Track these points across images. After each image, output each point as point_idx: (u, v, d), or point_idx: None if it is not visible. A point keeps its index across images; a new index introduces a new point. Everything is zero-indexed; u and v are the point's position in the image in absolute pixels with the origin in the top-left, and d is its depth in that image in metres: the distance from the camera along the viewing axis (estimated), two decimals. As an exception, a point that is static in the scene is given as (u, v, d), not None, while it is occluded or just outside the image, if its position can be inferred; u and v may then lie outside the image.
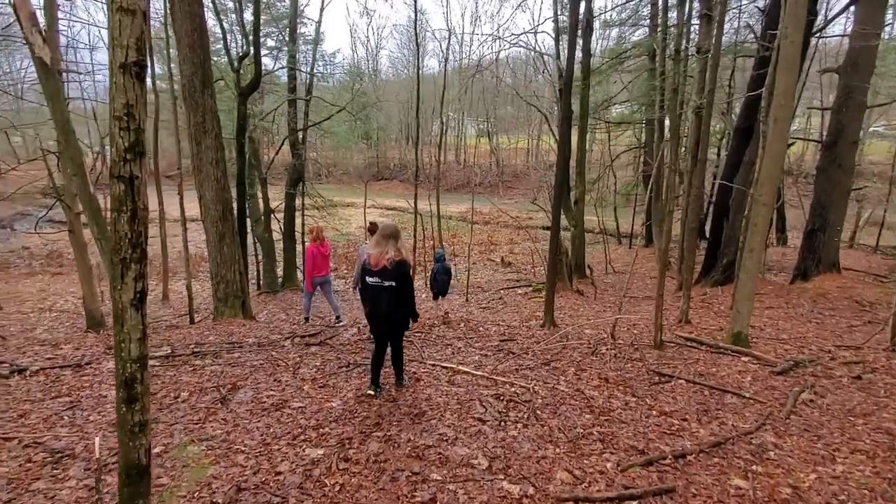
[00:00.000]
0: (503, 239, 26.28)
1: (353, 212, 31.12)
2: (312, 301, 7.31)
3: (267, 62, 17.39)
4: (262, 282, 13.93)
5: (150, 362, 4.55)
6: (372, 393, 3.80)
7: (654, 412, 3.71)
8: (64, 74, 9.51)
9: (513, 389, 4.00)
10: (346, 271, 19.04)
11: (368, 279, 3.67)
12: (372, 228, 6.15)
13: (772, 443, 3.36)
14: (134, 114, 1.76)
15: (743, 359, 5.18)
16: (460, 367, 4.57)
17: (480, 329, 6.48)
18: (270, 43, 17.48)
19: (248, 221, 14.97)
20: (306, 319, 7.04)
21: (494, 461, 2.82)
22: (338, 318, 7.14)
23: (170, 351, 4.82)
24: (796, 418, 3.82)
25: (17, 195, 16.49)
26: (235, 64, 8.32)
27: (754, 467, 3.00)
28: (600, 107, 20.45)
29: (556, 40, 16.00)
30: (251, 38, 7.71)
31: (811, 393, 4.36)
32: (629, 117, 21.62)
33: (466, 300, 13.32)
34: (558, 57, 15.63)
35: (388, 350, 3.98)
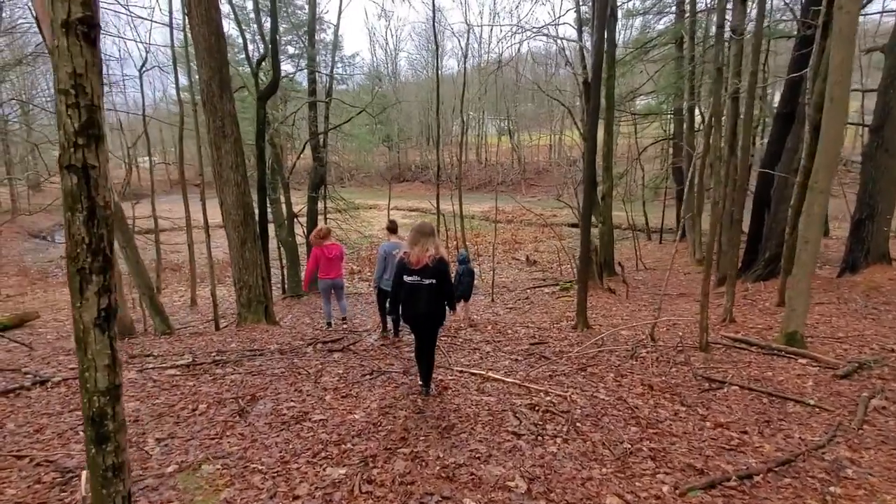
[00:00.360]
0: (527, 237, 25.81)
1: (375, 214, 31.18)
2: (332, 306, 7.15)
3: (288, 69, 17.51)
4: (286, 286, 13.94)
5: (171, 371, 4.44)
6: (421, 383, 3.90)
7: (709, 423, 3.34)
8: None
9: (548, 398, 3.70)
10: (369, 274, 19.00)
11: (407, 278, 3.62)
12: (391, 227, 5.94)
13: (847, 458, 2.97)
14: (84, 86, 1.45)
15: (800, 361, 4.73)
16: (490, 374, 4.29)
17: (509, 332, 6.18)
18: (291, 50, 17.63)
19: (273, 226, 15.09)
20: (328, 325, 6.87)
21: (534, 483, 2.53)
22: (343, 318, 6.96)
23: (191, 359, 4.69)
24: (870, 428, 3.40)
25: (54, 206, 17.01)
26: (254, 67, 8.27)
27: (832, 489, 2.62)
28: (626, 98, 19.86)
29: (579, 31, 15.53)
30: (269, 39, 7.62)
31: (882, 398, 3.90)
32: (656, 108, 20.89)
33: (492, 300, 13.01)
34: (581, 49, 15.15)
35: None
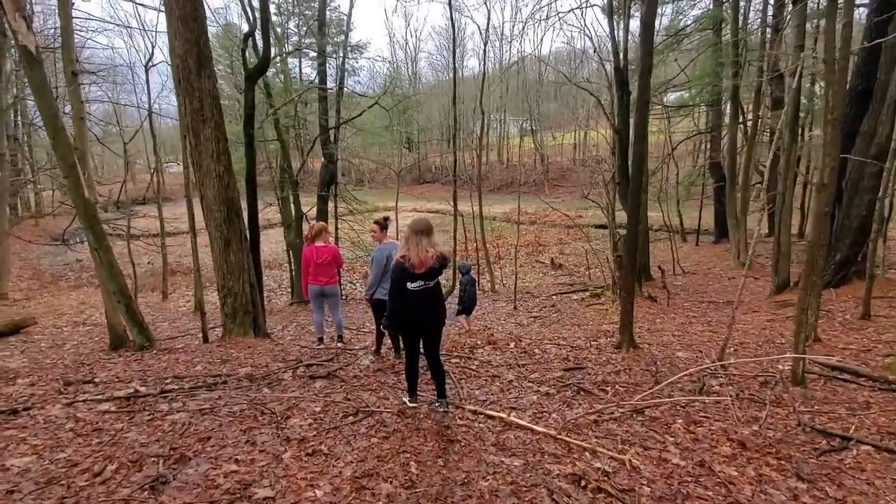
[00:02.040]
0: (551, 239, 24.53)
1: (394, 215, 30.34)
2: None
3: (302, 67, 16.68)
4: (294, 291, 13.08)
5: (104, 406, 3.48)
6: (414, 405, 3.51)
7: (852, 517, 2.17)
8: (80, 76, 9.01)
9: (598, 465, 2.57)
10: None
11: (411, 285, 3.23)
12: (383, 224, 4.91)
13: None
14: None
15: (938, 401, 3.48)
16: (513, 418, 3.18)
17: (536, 351, 5.05)
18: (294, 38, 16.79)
19: (283, 227, 14.30)
20: (320, 340, 5.86)
21: None
22: (339, 337, 5.89)
23: (134, 390, 3.73)
24: None
25: (68, 207, 16.60)
26: (240, 43, 7.43)
27: None
28: (658, 90, 18.44)
29: (610, 15, 14.25)
30: (259, 9, 6.71)
31: None
32: (690, 100, 19.37)
33: (514, 307, 11.86)
34: (613, 33, 13.87)
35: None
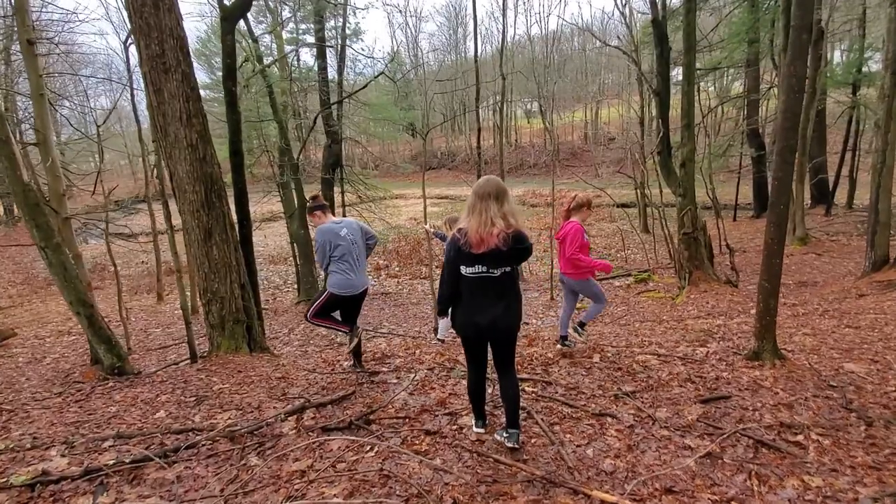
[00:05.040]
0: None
1: (402, 203, 28.91)
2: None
3: (300, 53, 15.15)
4: (300, 289, 11.73)
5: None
6: (481, 430, 2.66)
7: None
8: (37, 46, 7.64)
9: None
10: (398, 269, 16.63)
11: (467, 270, 2.36)
12: (319, 203, 3.88)
13: None
14: None
15: None
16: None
17: (634, 367, 3.59)
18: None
19: (284, 217, 12.92)
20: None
21: None
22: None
23: (42, 471, 2.34)
24: None
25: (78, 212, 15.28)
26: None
27: None
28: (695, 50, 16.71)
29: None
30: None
31: None
32: (727, 61, 17.59)
33: (551, 298, 10.44)
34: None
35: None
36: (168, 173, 4.66)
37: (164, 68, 4.36)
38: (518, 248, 2.26)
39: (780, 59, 14.41)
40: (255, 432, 2.63)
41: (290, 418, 2.81)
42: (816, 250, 12.64)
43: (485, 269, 2.32)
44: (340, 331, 3.90)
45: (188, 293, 9.28)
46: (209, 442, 2.53)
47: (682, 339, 4.44)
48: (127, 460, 2.37)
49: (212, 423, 2.82)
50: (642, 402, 2.93)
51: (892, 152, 7.42)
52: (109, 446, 2.59)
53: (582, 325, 4.10)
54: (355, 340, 3.88)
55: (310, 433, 2.62)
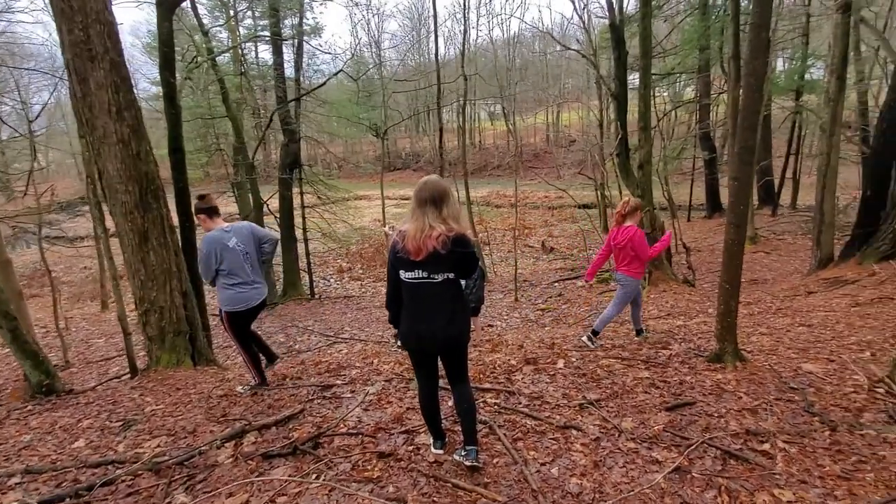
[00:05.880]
0: (536, 221, 23.23)
1: (366, 204, 28.38)
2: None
3: (258, 51, 14.54)
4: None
5: None
6: (440, 452, 2.46)
7: None
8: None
9: None
10: (361, 271, 16.24)
11: (406, 274, 2.19)
12: (206, 205, 3.45)
13: None
14: None
15: None
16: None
17: (599, 372, 3.50)
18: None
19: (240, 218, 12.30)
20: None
21: None
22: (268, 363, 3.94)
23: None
24: None
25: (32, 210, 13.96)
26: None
27: None
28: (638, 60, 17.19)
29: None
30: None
31: None
32: (681, 66, 18.17)
33: (516, 299, 10.38)
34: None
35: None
36: (97, 171, 4.22)
37: (89, 56, 3.94)
38: (459, 251, 2.11)
39: (729, 65, 14.98)
40: (186, 463, 2.34)
41: (227, 444, 2.52)
42: (765, 249, 13.18)
43: (425, 274, 2.16)
44: (257, 371, 3.66)
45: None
46: (130, 477, 2.22)
47: (639, 340, 4.40)
48: (32, 502, 2.04)
49: (137, 452, 2.50)
50: (608, 412, 2.82)
51: (836, 155, 7.78)
52: (16, 483, 2.24)
53: (595, 333, 4.34)
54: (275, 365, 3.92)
55: (249, 461, 2.35)
